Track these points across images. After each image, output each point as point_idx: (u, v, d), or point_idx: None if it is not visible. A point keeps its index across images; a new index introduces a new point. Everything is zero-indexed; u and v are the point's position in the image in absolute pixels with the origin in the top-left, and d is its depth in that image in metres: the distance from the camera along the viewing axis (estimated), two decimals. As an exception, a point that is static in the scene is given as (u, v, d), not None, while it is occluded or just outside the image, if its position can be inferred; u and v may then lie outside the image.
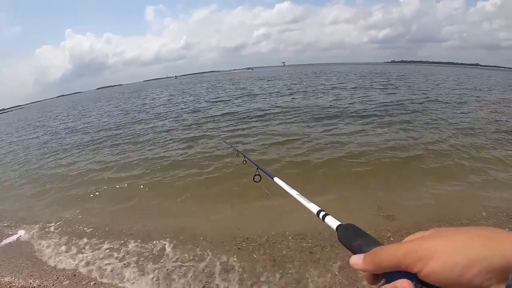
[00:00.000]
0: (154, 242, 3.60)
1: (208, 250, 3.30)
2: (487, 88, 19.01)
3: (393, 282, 0.37)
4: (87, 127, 13.84)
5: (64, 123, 17.70)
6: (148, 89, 48.79)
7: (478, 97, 14.10)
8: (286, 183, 1.02)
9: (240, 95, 19.00)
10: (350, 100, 13.54)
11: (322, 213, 0.66)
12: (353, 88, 19.25)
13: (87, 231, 4.13)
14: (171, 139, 8.85)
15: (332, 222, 0.58)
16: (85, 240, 3.86)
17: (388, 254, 0.38)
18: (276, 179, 1.13)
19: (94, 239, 3.86)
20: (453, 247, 0.34)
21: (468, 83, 23.86)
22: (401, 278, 0.37)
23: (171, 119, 12.49)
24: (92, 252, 3.56)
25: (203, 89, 30.81)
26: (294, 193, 0.89)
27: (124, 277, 3.02)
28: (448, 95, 14.40)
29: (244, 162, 1.89)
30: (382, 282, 0.41)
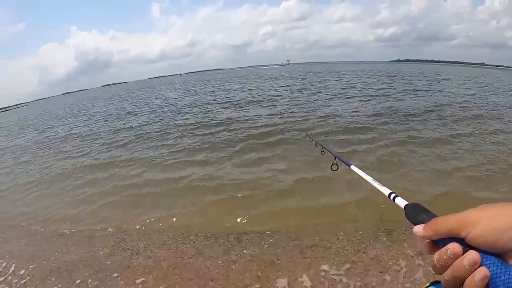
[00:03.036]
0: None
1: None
2: None
3: (446, 246, 0.44)
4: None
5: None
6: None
7: None
8: (362, 170, 1.14)
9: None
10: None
11: (392, 195, 0.76)
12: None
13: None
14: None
15: (401, 202, 0.68)
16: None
17: (443, 222, 0.46)
18: (352, 167, 1.25)
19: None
20: (494, 216, 0.41)
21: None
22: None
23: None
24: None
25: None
26: (369, 178, 1.03)
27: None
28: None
29: (322, 152, 1.96)
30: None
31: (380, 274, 2.73)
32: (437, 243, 0.48)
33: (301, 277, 2.80)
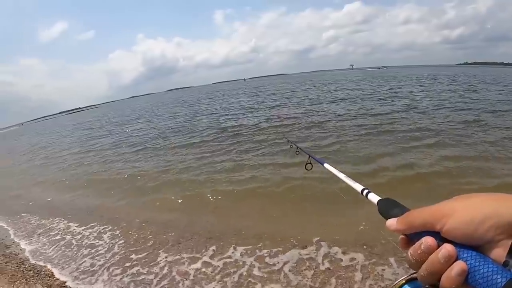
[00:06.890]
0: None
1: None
2: None
3: (420, 240, 0.41)
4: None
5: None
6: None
7: None
8: (335, 168, 1.10)
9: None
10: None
11: (365, 191, 0.73)
12: None
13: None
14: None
15: (374, 197, 0.66)
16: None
17: (417, 214, 0.44)
18: (326, 165, 1.22)
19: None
20: (470, 206, 0.39)
21: None
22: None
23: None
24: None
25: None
26: (341, 175, 0.99)
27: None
28: None
29: (297, 152, 1.97)
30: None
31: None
32: (412, 237, 0.45)
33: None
